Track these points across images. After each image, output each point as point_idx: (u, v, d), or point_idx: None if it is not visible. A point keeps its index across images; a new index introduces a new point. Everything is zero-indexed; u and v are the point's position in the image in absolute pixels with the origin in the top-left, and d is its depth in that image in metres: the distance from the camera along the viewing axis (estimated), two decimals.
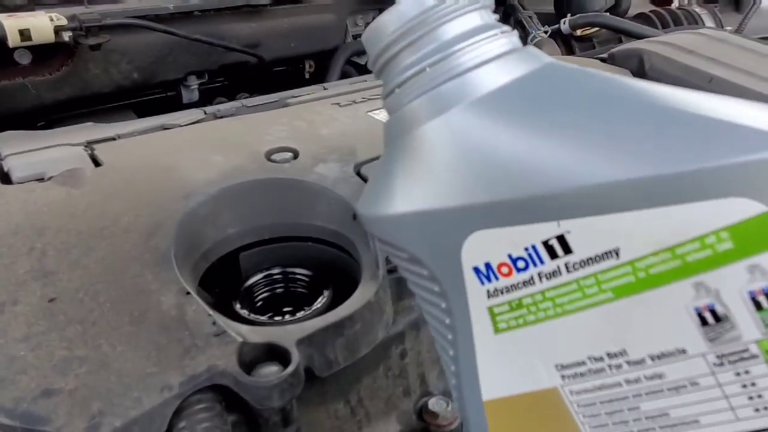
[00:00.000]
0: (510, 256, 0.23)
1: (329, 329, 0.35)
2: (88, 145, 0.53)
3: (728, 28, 1.27)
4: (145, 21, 0.87)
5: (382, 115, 0.62)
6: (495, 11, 0.29)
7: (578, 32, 1.29)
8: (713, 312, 0.21)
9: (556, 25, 1.26)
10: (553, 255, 0.22)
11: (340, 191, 0.46)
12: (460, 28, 0.26)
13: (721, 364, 0.21)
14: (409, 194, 0.25)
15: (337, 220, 0.46)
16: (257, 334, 0.34)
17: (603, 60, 0.90)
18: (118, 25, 0.84)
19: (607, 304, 0.22)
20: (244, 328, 0.35)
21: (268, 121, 0.60)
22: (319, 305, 0.42)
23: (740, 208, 0.19)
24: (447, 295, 0.26)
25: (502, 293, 0.24)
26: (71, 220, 0.41)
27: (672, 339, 0.22)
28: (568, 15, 1.26)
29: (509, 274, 0.23)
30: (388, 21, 0.26)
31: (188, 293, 0.35)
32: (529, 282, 0.23)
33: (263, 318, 0.41)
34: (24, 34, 0.74)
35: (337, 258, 0.46)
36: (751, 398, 0.21)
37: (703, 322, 0.21)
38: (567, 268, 0.22)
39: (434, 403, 0.43)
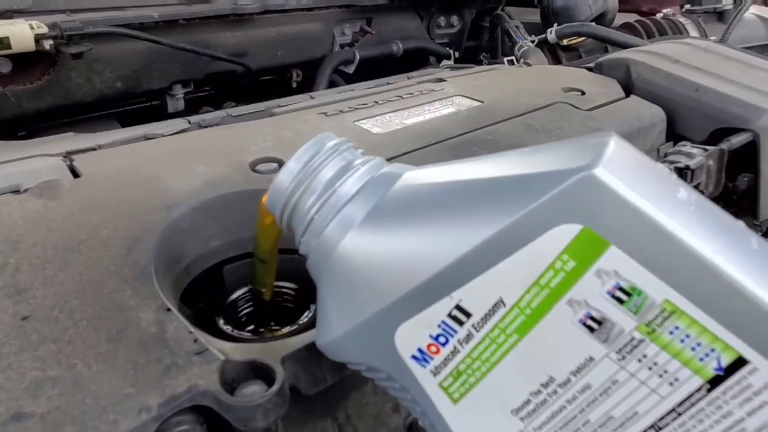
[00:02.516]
0: (431, 336, 0.27)
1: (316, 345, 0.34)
2: (67, 155, 0.52)
3: (712, 37, 1.28)
4: (129, 29, 0.86)
5: (369, 125, 0.61)
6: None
7: (564, 42, 1.30)
8: (593, 318, 0.24)
9: (543, 35, 1.27)
10: (460, 323, 0.26)
11: None
12: (331, 172, 0.31)
13: (624, 358, 0.24)
14: (341, 316, 0.29)
15: None
16: (241, 352, 0.33)
17: (590, 69, 0.90)
18: (101, 34, 0.83)
19: (518, 345, 0.26)
20: (227, 346, 0.33)
21: (253, 130, 0.59)
22: (305, 320, 0.40)
23: (566, 232, 0.24)
24: (406, 387, 0.29)
25: (442, 368, 0.27)
26: (47, 233, 0.40)
27: (578, 352, 0.25)
28: (555, 25, 1.27)
29: (438, 351, 0.27)
30: (282, 180, 0.31)
31: (169, 309, 0.34)
32: (455, 351, 0.27)
33: (247, 334, 0.40)
34: (3, 42, 0.73)
35: None
36: (660, 376, 0.24)
37: (590, 329, 0.24)
38: (475, 328, 0.26)
39: None
